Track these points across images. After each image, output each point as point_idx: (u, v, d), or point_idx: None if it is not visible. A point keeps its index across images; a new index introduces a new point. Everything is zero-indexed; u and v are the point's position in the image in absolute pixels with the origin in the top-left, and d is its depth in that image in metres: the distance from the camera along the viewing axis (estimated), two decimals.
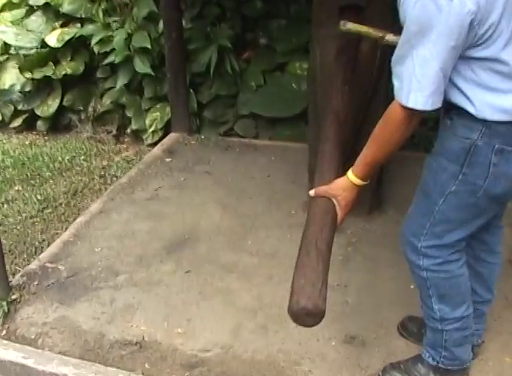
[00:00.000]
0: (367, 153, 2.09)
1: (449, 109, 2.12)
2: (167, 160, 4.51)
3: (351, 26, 2.63)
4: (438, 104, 1.94)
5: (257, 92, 5.05)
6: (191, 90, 5.09)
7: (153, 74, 5.07)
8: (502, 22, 1.88)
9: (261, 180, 4.24)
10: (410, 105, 1.91)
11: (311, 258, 1.90)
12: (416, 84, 1.89)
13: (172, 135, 4.86)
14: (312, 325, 1.83)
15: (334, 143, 2.46)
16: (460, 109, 2.05)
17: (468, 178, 2.12)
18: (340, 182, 2.12)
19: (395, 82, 1.97)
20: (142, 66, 5.04)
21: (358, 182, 2.10)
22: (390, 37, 2.67)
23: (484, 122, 2.02)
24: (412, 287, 3.16)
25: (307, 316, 1.79)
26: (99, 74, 5.54)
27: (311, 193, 2.16)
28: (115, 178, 4.61)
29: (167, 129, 5.12)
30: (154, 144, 5.06)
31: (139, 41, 5.05)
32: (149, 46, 4.99)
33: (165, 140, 4.81)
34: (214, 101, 5.19)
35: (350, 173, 2.11)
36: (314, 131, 3.65)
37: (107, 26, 5.32)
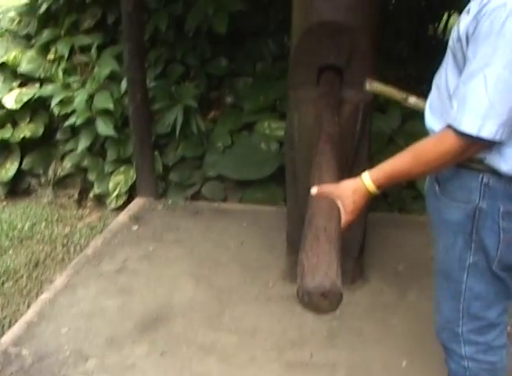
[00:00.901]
0: (397, 165, 1.84)
1: None
2: (134, 227, 4.30)
3: (376, 85, 2.50)
4: (506, 138, 1.72)
5: (224, 153, 4.89)
6: (156, 152, 4.90)
7: (116, 135, 4.88)
8: None
9: (235, 248, 4.04)
10: (474, 132, 1.69)
11: (322, 243, 1.58)
12: (486, 108, 1.67)
13: (138, 200, 4.66)
14: (326, 311, 1.47)
15: (331, 156, 2.15)
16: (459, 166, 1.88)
17: (480, 246, 1.94)
18: (351, 183, 1.84)
19: (454, 103, 1.75)
20: (104, 127, 4.86)
21: (373, 189, 1.83)
22: (412, 99, 2.59)
23: (482, 180, 1.86)
24: (404, 364, 3.02)
25: (323, 298, 1.44)
26: (59, 136, 5.33)
27: (314, 191, 1.82)
28: (79, 247, 4.38)
29: (131, 193, 4.92)
30: (118, 209, 4.85)
31: (101, 102, 4.88)
32: (112, 107, 4.82)
33: (131, 206, 4.60)
34: (180, 163, 5.01)
35: (366, 178, 1.83)
36: (292, 197, 3.51)
37: (67, 86, 5.15)
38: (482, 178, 1.86)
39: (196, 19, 4.93)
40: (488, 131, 1.68)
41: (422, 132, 4.84)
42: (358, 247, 3.53)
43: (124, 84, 4.89)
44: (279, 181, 4.75)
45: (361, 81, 3.15)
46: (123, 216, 4.44)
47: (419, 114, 4.99)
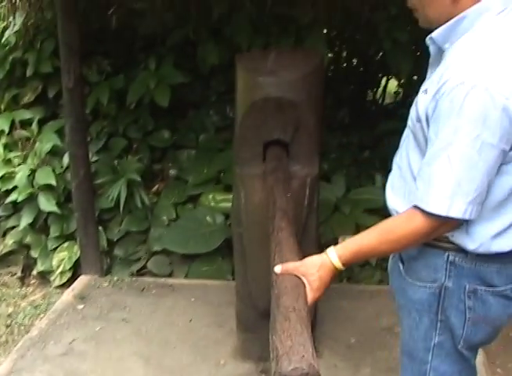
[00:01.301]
0: (365, 243, 1.83)
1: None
2: (79, 307, 4.17)
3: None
4: (475, 216, 1.72)
5: (170, 227, 4.82)
6: (100, 227, 4.81)
7: (58, 211, 4.78)
8: None
9: (184, 326, 3.95)
10: (443, 213, 1.69)
11: (293, 324, 1.52)
12: (453, 188, 1.68)
13: (83, 278, 4.54)
14: None
15: (289, 233, 2.08)
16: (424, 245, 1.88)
17: (446, 325, 1.92)
18: (316, 259, 1.80)
19: (420, 184, 1.76)
20: (46, 203, 4.76)
21: (339, 265, 1.80)
22: None
23: (447, 258, 1.86)
24: None
25: None
26: (0, 213, 5.19)
27: (277, 269, 1.77)
28: (23, 328, 4.21)
29: (76, 269, 4.78)
30: (63, 285, 4.71)
31: (43, 178, 4.79)
32: (54, 183, 4.73)
33: (75, 284, 4.47)
34: (125, 238, 4.92)
35: (333, 254, 1.80)
36: (241, 274, 3.46)
37: (8, 162, 5.05)
38: (448, 256, 1.86)
39: (137, 92, 4.92)
40: (457, 211, 1.69)
41: (366, 200, 4.84)
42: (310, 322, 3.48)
43: (66, 159, 4.81)
44: (225, 254, 4.71)
45: (307, 155, 3.17)
46: (67, 295, 4.31)
47: (363, 182, 5.06)
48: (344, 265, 1.81)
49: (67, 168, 4.78)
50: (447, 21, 1.81)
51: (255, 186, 3.17)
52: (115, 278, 4.58)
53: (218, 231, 4.67)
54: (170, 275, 4.76)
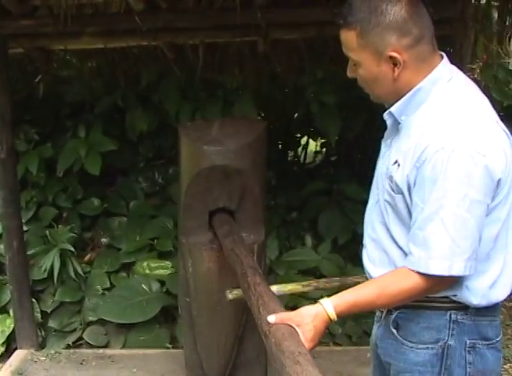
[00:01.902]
0: (361, 295, 1.87)
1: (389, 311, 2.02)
2: None
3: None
4: (473, 270, 1.82)
5: (105, 297, 4.73)
6: (33, 299, 4.67)
7: None
8: None
9: None
10: (445, 273, 1.78)
11: (305, 366, 1.52)
12: (451, 248, 1.77)
13: (19, 353, 4.39)
14: None
15: (266, 286, 2.10)
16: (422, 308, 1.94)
17: None
18: (311, 309, 1.81)
19: (414, 250, 1.82)
20: None
21: (334, 317, 1.81)
22: (320, 283, 2.66)
23: (450, 317, 1.92)
24: None
25: None
26: None
27: (271, 319, 1.77)
28: None
29: (9, 343, 4.62)
30: None
31: None
32: None
33: (12, 359, 4.32)
34: (59, 309, 4.79)
35: (328, 305, 1.81)
36: (190, 343, 3.42)
37: None
38: (450, 315, 1.92)
39: (68, 160, 4.86)
40: (457, 269, 1.78)
41: (299, 262, 4.87)
42: None
43: None
44: (162, 322, 4.67)
45: (253, 222, 3.20)
46: (5, 371, 4.16)
47: (293, 244, 5.12)
48: (338, 316, 1.82)
49: None
50: (396, 96, 1.93)
51: (203, 255, 3.18)
52: (52, 351, 4.44)
53: (154, 299, 4.62)
54: (106, 345, 4.66)
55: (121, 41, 4.28)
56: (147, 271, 4.78)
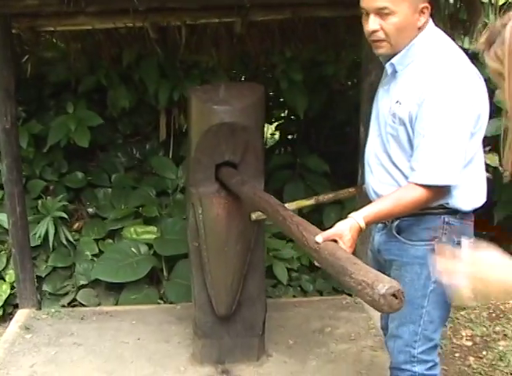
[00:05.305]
0: (382, 207, 2.35)
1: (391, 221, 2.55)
2: (28, 336, 4.34)
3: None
4: (461, 181, 2.39)
5: (99, 259, 5.06)
6: None
7: None
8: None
9: (134, 344, 4.22)
10: (444, 182, 2.34)
11: (362, 265, 1.95)
12: (448, 164, 2.32)
13: (22, 311, 4.68)
14: (398, 308, 1.83)
15: (297, 216, 2.51)
16: (419, 213, 2.46)
17: None
18: (346, 224, 2.23)
19: (419, 168, 2.36)
20: None
21: (364, 226, 2.26)
22: (322, 197, 3.14)
23: (444, 220, 2.47)
24: None
25: (393, 297, 1.81)
26: None
27: (319, 238, 2.15)
28: None
29: (4, 309, 4.90)
30: None
31: None
32: None
33: (17, 317, 4.62)
34: (52, 274, 5.11)
35: (359, 218, 2.25)
36: (200, 284, 3.78)
37: None
38: (444, 218, 2.47)
39: (57, 135, 5.18)
40: (452, 179, 2.38)
41: (271, 226, 5.21)
42: (261, 326, 3.88)
43: None
44: (151, 282, 5.05)
45: (254, 174, 3.61)
46: (12, 327, 4.46)
47: None
48: (366, 225, 2.29)
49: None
50: (403, 47, 2.45)
51: (212, 202, 3.57)
52: (52, 310, 4.77)
53: (143, 260, 4.99)
54: (98, 305, 5.00)
55: (116, 20, 4.63)
56: (134, 236, 5.14)
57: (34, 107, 5.55)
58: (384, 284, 1.81)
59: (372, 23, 2.40)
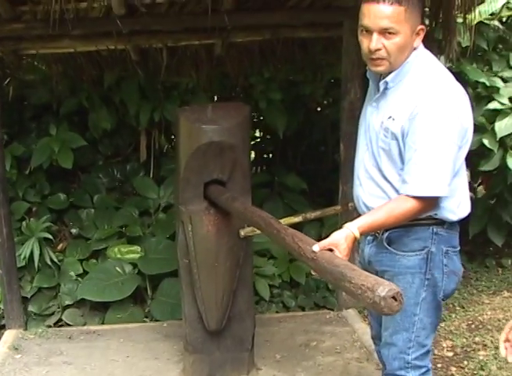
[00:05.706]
0: (376, 218, 2.46)
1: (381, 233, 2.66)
2: (17, 356, 4.37)
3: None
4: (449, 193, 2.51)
5: (83, 279, 5.11)
6: None
7: None
8: None
9: (124, 362, 4.26)
10: (434, 194, 2.45)
11: (360, 271, 2.05)
12: (438, 176, 2.43)
13: (9, 332, 4.72)
14: (398, 310, 1.92)
15: (291, 229, 2.62)
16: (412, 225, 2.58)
17: (431, 281, 2.62)
18: (342, 234, 2.34)
19: (410, 180, 2.46)
20: None
21: (358, 236, 2.37)
22: (309, 215, 3.27)
23: (433, 230, 2.59)
24: None
25: (393, 300, 1.90)
26: None
27: (316, 248, 2.25)
28: None
29: None
30: None
31: None
32: None
33: (4, 337, 4.65)
34: (37, 294, 5.14)
35: (354, 228, 2.36)
36: (190, 300, 3.85)
37: None
38: (433, 229, 2.60)
39: (41, 156, 5.24)
40: (442, 191, 2.48)
41: (254, 244, 5.31)
42: (251, 340, 3.96)
43: None
44: (136, 300, 5.10)
45: (241, 192, 3.70)
46: (1, 347, 4.48)
47: None
48: (360, 234, 2.40)
49: None
50: (397, 67, 2.58)
51: (202, 219, 3.65)
52: (40, 330, 4.80)
53: (128, 280, 5.05)
54: (84, 325, 5.04)
55: (99, 43, 4.72)
56: (119, 255, 5.20)
57: (15, 130, 5.61)
58: (384, 287, 1.91)
59: (376, 42, 2.50)
